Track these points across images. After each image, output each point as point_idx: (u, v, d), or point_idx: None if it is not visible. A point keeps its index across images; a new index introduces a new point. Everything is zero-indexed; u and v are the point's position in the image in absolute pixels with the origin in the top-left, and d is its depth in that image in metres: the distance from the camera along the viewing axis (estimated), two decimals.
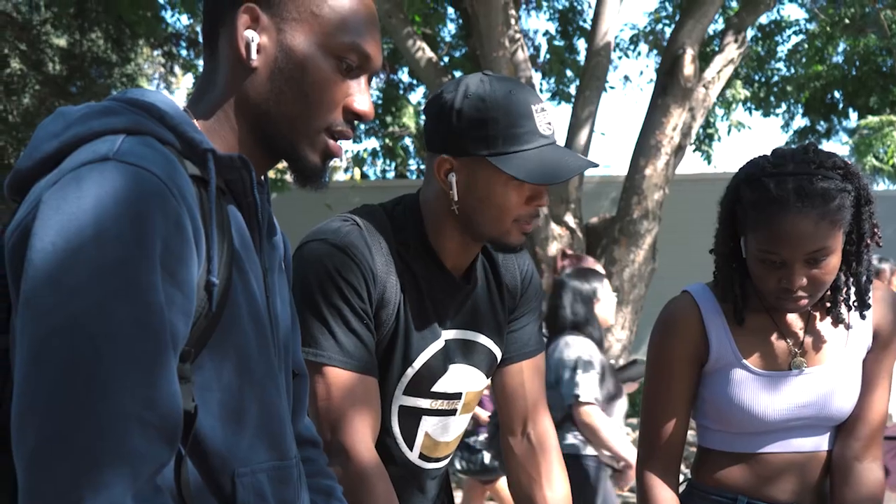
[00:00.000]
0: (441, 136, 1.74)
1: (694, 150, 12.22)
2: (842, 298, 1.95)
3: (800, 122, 13.02)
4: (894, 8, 9.89)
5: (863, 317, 1.94)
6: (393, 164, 14.07)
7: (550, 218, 8.24)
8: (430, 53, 8.59)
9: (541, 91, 11.73)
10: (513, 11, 8.43)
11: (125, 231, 0.97)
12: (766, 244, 1.82)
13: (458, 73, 10.59)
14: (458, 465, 5.15)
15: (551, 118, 1.77)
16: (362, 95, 1.23)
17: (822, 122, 12.73)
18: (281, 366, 1.24)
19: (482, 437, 5.17)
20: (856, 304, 1.94)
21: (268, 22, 1.18)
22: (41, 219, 0.98)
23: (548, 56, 11.69)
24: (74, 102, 9.94)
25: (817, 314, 1.98)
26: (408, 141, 13.77)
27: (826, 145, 15.10)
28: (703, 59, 9.50)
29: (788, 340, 1.95)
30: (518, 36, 8.34)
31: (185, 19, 11.54)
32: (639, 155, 8.44)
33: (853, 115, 12.32)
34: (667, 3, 11.50)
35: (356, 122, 1.26)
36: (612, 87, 12.64)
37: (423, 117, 13.23)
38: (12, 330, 1.05)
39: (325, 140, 1.22)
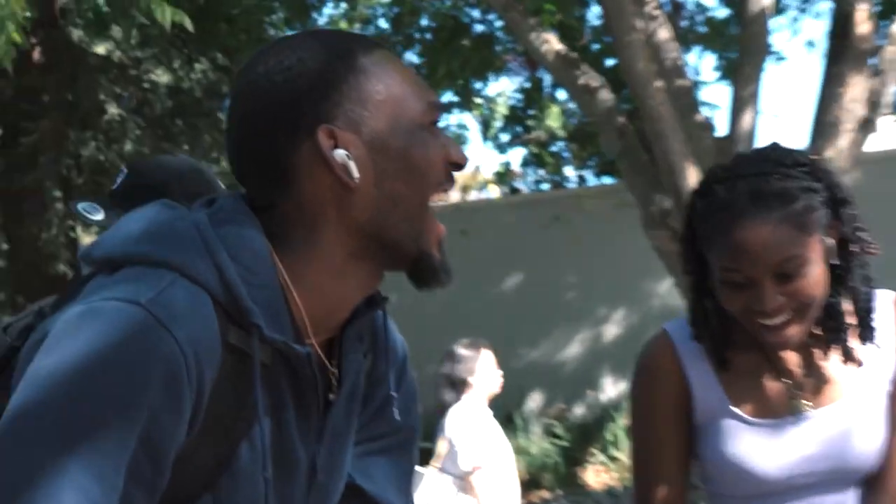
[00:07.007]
0: None
1: None
2: (844, 324, 1.80)
3: None
4: None
5: (867, 342, 1.78)
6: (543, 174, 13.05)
7: None
8: (557, 46, 7.83)
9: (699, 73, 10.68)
10: None
11: (119, 392, 0.98)
12: (724, 260, 1.71)
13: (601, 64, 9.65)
14: None
15: None
16: (453, 144, 1.19)
17: None
18: None
19: None
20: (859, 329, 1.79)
21: (346, 134, 1.12)
22: (55, 338, 1.02)
23: (704, 30, 10.56)
24: (179, 145, 9.76)
25: (819, 345, 1.84)
26: (558, 145, 12.80)
27: None
28: (889, 11, 8.45)
29: (786, 380, 1.83)
30: (657, 13, 7.44)
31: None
32: (816, 136, 7.53)
33: None
34: None
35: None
36: (781, 59, 11.34)
37: (570, 118, 12.42)
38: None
39: (432, 219, 1.17)
